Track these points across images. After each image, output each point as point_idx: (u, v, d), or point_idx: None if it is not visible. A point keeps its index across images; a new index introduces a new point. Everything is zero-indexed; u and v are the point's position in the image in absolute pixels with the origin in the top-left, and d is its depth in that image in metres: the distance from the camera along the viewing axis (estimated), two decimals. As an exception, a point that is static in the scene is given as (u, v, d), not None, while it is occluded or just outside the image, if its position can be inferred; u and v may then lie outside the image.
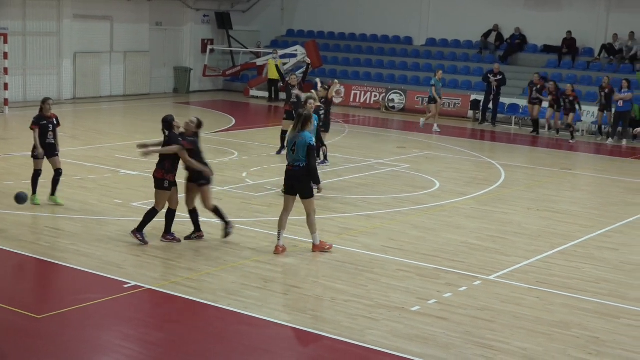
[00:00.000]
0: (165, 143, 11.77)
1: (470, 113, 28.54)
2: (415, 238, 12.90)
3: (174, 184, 11.80)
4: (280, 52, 32.10)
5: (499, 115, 27.60)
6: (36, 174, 13.84)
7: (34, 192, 13.86)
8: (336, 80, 19.78)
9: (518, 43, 30.65)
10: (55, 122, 13.85)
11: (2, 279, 10.59)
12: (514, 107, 27.70)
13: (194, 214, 12.15)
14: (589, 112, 26.36)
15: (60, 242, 11.90)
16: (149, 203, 12.42)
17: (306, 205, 11.64)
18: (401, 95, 30.06)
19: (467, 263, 11.68)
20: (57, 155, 13.88)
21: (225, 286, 10.26)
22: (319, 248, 11.81)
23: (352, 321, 9.26)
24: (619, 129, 24.74)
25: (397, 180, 17.46)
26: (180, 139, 11.72)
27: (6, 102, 25.39)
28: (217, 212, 12.11)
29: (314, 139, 11.73)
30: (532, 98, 25.79)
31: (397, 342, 8.71)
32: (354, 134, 24.26)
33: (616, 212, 15.41)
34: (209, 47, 33.68)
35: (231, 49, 34.18)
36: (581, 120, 26.25)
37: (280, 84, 28.79)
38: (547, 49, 30.38)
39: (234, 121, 25.77)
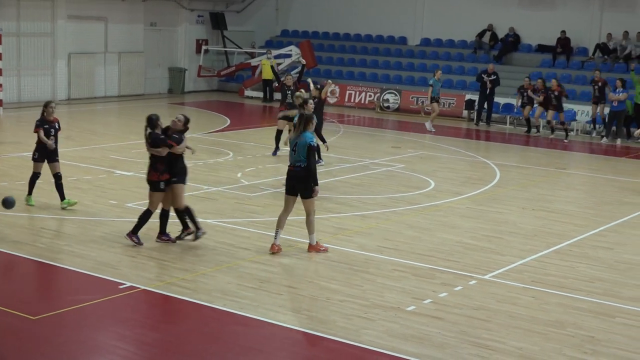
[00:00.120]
0: (150, 143, 11.72)
1: (465, 113, 28.58)
2: (410, 238, 12.91)
3: (169, 182, 11.78)
4: (275, 52, 32.04)
5: (493, 115, 27.64)
6: (34, 176, 13.78)
7: (30, 192, 13.83)
8: (330, 81, 19.83)
9: (512, 42, 30.67)
10: (57, 127, 13.68)
11: (-3, 280, 10.58)
12: (508, 107, 27.72)
13: (179, 213, 12.07)
14: (584, 112, 26.41)
15: (55, 243, 11.89)
16: (144, 204, 12.41)
17: (306, 205, 11.66)
18: (396, 95, 30.07)
19: (462, 263, 11.70)
20: (57, 160, 13.74)
21: (220, 286, 10.26)
22: (315, 249, 11.83)
23: (347, 321, 9.27)
24: (613, 128, 24.77)
25: (392, 180, 17.47)
26: (162, 136, 11.68)
27: (0, 103, 25.33)
28: (189, 213, 11.88)
29: (314, 140, 11.80)
30: (523, 102, 25.78)
31: (393, 342, 8.72)
32: (349, 134, 24.26)
33: (611, 211, 15.44)
34: (204, 47, 33.66)
35: (226, 49, 34.17)
36: (576, 120, 26.30)
37: (276, 84, 28.78)
38: (542, 48, 30.41)
39: (228, 121, 25.75)
